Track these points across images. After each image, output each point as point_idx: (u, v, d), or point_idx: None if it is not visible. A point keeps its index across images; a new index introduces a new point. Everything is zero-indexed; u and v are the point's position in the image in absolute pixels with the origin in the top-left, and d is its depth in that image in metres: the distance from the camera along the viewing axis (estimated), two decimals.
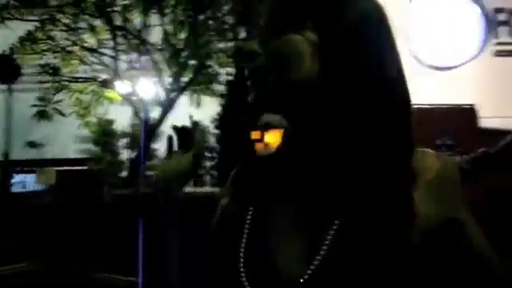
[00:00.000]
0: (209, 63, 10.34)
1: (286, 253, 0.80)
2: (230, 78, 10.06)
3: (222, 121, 9.59)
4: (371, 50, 0.73)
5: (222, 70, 10.26)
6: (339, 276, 0.76)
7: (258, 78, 0.79)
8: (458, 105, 5.27)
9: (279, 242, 0.81)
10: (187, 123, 1.07)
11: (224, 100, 9.85)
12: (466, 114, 5.15)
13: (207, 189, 10.65)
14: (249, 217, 0.83)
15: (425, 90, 5.70)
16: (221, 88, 10.22)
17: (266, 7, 0.80)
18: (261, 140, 0.77)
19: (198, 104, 10.53)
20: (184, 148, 1.07)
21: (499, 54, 6.15)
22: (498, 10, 6.35)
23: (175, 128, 1.05)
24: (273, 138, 0.77)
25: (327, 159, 0.73)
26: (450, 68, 6.21)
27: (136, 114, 9.86)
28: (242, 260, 0.83)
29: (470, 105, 5.21)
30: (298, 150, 0.75)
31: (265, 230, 0.81)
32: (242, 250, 0.83)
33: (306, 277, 0.76)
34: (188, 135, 1.09)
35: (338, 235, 0.73)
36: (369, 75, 0.72)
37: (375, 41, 0.74)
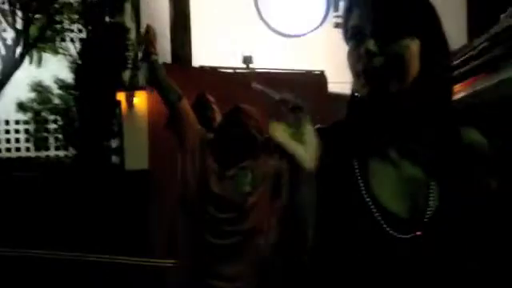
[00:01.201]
0: (58, 18, 9.56)
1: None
2: (82, 35, 9.42)
3: (78, 81, 8.97)
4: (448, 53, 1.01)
5: (73, 27, 9.57)
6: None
7: (376, 77, 0.94)
8: (310, 71, 5.52)
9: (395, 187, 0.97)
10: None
11: (76, 59, 9.19)
12: (317, 79, 5.42)
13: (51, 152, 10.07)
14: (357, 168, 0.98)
15: (276, 55, 5.87)
16: (70, 46, 9.51)
17: (380, 9, 0.96)
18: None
19: (39, 63, 9.75)
20: None
21: (338, 25, 6.55)
22: None
23: None
24: None
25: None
26: (298, 36, 6.45)
27: None
28: (371, 205, 0.95)
29: (321, 71, 5.50)
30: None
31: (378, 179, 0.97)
32: (367, 196, 0.96)
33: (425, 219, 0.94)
34: None
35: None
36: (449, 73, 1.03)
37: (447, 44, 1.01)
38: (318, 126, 1.05)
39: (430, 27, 0.99)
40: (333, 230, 0.96)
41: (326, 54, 6.13)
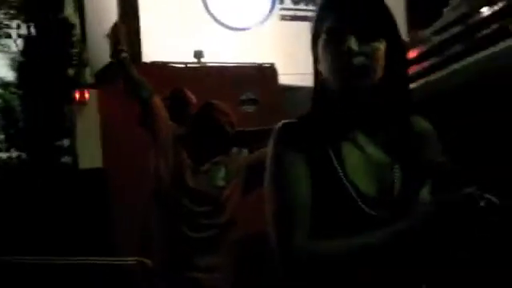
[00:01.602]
0: None
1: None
2: (22, 31, 9.13)
3: (21, 79, 8.69)
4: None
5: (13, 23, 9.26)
6: None
7: (355, 74, 1.08)
8: (260, 64, 5.61)
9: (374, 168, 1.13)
10: None
11: (17, 56, 8.90)
12: (267, 72, 5.52)
13: None
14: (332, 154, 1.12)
15: (227, 50, 5.93)
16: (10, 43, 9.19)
17: (359, 12, 1.09)
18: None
19: None
20: None
21: (284, 18, 6.67)
22: None
23: None
24: None
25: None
26: (244, 29, 6.53)
27: None
28: (348, 186, 1.09)
29: (271, 64, 5.60)
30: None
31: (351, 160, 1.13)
32: (345, 179, 1.10)
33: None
34: None
35: None
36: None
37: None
38: (286, 121, 1.17)
39: (392, 29, 1.14)
40: (316, 212, 1.08)
41: (273, 47, 6.25)
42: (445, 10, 3.81)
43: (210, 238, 2.57)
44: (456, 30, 3.15)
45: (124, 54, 2.60)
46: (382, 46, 1.10)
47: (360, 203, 1.10)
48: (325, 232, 1.08)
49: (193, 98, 3.13)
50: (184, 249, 2.54)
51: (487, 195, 0.93)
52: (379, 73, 1.11)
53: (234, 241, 2.67)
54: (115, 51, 2.58)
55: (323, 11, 1.16)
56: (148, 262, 2.81)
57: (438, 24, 3.69)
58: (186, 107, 3.05)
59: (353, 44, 1.08)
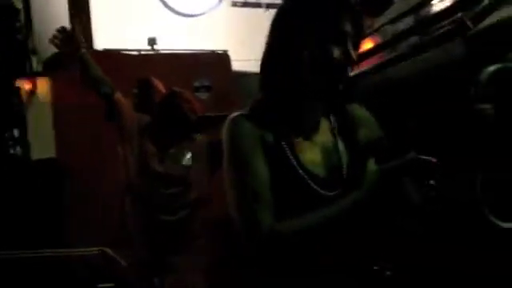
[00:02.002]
0: None
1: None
2: None
3: None
4: None
5: None
6: None
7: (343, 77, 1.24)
8: (213, 51, 5.64)
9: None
10: None
11: None
12: (221, 58, 5.55)
13: None
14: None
15: (178, 36, 5.93)
16: None
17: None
18: None
19: None
20: None
21: (235, 4, 6.71)
22: None
23: None
24: None
25: None
26: (196, 15, 6.52)
27: None
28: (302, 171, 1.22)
29: (224, 51, 5.63)
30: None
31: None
32: (298, 166, 1.22)
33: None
34: None
35: None
36: None
37: None
38: (240, 112, 1.28)
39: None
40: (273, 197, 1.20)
41: (226, 33, 6.28)
42: None
43: (183, 219, 2.67)
44: (409, 21, 3.16)
45: (83, 50, 2.61)
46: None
47: (314, 185, 1.21)
48: (284, 215, 1.18)
49: (160, 86, 3.16)
50: (160, 233, 2.63)
51: (425, 157, 1.07)
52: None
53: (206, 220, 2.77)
54: (72, 48, 2.57)
55: (337, 15, 1.23)
56: (109, 250, 2.85)
57: (390, 13, 3.78)
58: (153, 96, 3.08)
59: (354, 55, 1.22)
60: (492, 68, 1.72)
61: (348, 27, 1.21)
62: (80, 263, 3.13)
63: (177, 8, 6.45)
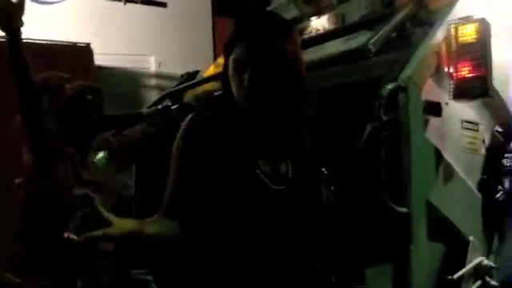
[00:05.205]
0: None
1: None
2: None
3: None
4: None
5: None
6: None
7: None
8: (75, 43, 5.49)
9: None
10: None
11: None
12: (83, 51, 5.43)
13: None
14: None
15: (39, 26, 5.66)
16: None
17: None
18: None
19: None
20: None
21: None
22: None
23: None
24: None
25: None
26: (52, 3, 6.24)
27: None
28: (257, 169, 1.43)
29: (87, 43, 5.51)
30: None
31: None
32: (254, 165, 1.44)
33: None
34: None
35: None
36: None
37: None
38: (195, 116, 1.48)
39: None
40: (227, 195, 1.39)
41: (90, 26, 6.11)
42: None
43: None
44: None
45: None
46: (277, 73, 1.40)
47: (265, 179, 1.43)
48: (237, 206, 1.39)
49: (62, 80, 2.98)
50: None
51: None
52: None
53: None
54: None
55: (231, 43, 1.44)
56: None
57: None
58: (55, 94, 2.87)
59: (250, 74, 1.37)
60: (390, 86, 2.21)
61: (243, 55, 1.40)
62: None
63: None
